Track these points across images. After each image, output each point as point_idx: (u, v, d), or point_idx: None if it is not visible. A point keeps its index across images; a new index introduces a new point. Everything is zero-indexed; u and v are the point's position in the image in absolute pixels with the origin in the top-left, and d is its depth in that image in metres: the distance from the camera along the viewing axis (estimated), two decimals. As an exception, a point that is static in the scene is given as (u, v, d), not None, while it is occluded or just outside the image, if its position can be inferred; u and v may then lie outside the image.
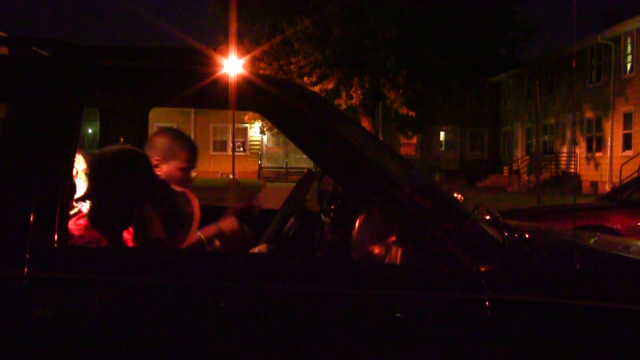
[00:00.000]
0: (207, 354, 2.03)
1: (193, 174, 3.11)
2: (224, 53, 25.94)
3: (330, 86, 25.15)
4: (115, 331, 2.04)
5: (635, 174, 17.11)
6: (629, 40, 24.81)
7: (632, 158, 22.49)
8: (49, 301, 2.03)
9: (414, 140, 37.31)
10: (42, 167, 2.11)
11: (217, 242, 2.92)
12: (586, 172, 27.28)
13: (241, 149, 37.80)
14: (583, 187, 26.66)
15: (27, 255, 2.05)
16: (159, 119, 34.56)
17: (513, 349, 2.01)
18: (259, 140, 38.07)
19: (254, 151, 38.13)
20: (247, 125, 35.48)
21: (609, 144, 25.68)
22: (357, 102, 26.00)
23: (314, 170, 3.11)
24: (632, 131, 24.37)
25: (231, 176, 28.61)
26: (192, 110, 35.19)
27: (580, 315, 2.04)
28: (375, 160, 2.17)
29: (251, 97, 2.27)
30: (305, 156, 2.47)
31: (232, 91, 2.21)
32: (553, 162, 29.43)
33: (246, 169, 35.56)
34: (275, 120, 2.34)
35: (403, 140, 35.94)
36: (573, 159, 28.41)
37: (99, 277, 2.07)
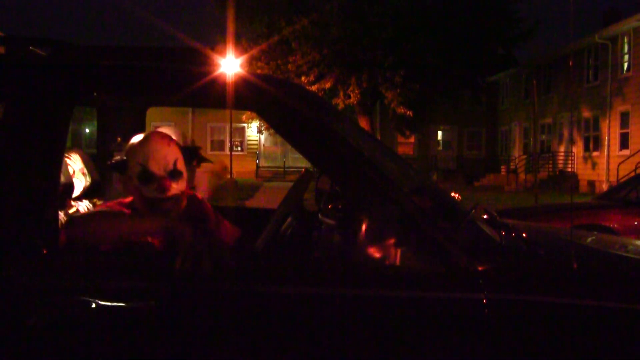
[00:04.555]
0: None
1: None
2: (222, 52, 25.90)
3: (327, 85, 25.16)
4: (110, 340, 1.99)
5: (632, 173, 17.16)
6: (626, 40, 24.83)
7: (629, 157, 22.51)
8: (39, 310, 1.96)
9: (412, 140, 37.32)
10: (30, 167, 2.07)
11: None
12: (583, 172, 27.31)
13: (239, 148, 37.80)
14: (580, 186, 26.70)
15: (14, 262, 1.98)
16: (156, 118, 34.54)
17: (511, 348, 2.01)
18: (256, 140, 38.05)
19: (251, 150, 38.12)
20: (245, 124, 35.48)
21: (606, 143, 25.70)
22: (355, 102, 26.01)
23: (311, 170, 3.10)
24: (629, 130, 24.39)
25: (229, 176, 28.59)
26: (190, 109, 35.16)
27: (578, 315, 2.04)
28: (372, 159, 2.17)
29: (248, 96, 2.27)
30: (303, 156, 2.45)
31: (230, 90, 2.21)
32: (550, 162, 29.46)
33: (244, 168, 35.54)
34: (272, 120, 2.33)
35: (401, 139, 35.94)
36: (570, 158, 28.44)
37: (91, 284, 2.02)
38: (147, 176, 2.42)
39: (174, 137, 3.14)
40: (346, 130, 2.31)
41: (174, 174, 2.46)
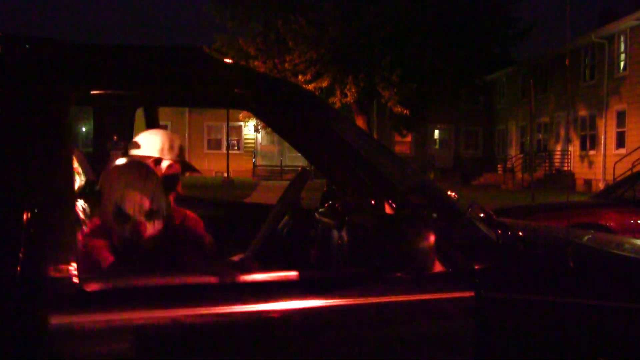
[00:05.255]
0: None
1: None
2: (218, 51, 25.90)
3: (324, 84, 25.16)
4: None
5: (629, 172, 17.17)
6: (622, 39, 24.87)
7: (625, 156, 22.56)
8: (80, 352, 1.73)
9: (409, 139, 37.34)
10: (26, 171, 1.86)
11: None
12: (580, 170, 27.35)
13: (236, 147, 37.78)
14: (577, 185, 26.73)
15: (45, 298, 1.73)
16: (153, 117, 34.49)
17: (507, 347, 2.01)
18: (253, 139, 38.03)
19: (248, 149, 38.09)
20: (242, 123, 35.44)
21: (602, 142, 25.75)
22: (352, 101, 26.01)
23: (308, 169, 3.10)
24: (625, 129, 24.45)
25: (225, 174, 28.57)
26: (187, 108, 35.13)
27: (574, 313, 2.04)
28: (370, 158, 2.17)
29: (246, 96, 2.25)
30: (300, 154, 2.44)
31: (227, 90, 2.19)
32: (547, 160, 29.50)
33: (241, 167, 35.53)
34: (269, 119, 2.33)
35: (398, 138, 35.95)
36: (567, 157, 28.48)
37: (135, 315, 1.80)
38: (121, 217, 2.28)
39: (160, 144, 3.08)
40: (343, 129, 2.31)
41: (150, 215, 2.31)
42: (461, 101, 30.56)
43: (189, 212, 2.74)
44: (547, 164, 29.35)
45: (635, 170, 18.64)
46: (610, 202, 8.59)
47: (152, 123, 3.55)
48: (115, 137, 3.28)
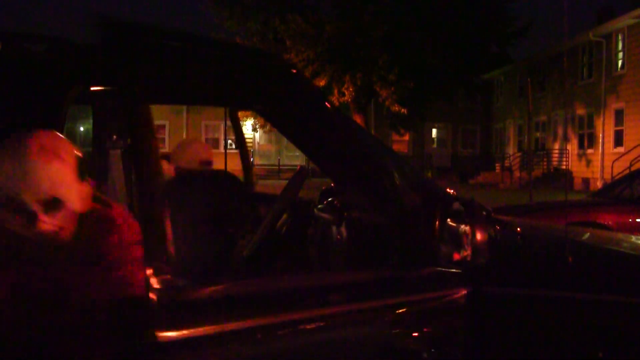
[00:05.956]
0: None
1: None
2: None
3: (322, 83, 25.15)
4: None
5: (627, 171, 17.18)
6: (620, 37, 24.88)
7: (623, 154, 22.57)
8: None
9: (406, 138, 37.34)
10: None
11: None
12: (578, 169, 27.37)
13: (233, 146, 37.73)
14: (575, 184, 26.74)
15: (146, 311, 1.64)
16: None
17: (505, 342, 2.02)
18: (251, 138, 38.02)
19: (246, 149, 38.11)
20: (240, 122, 35.46)
21: (600, 140, 25.76)
22: (349, 99, 26.02)
23: (306, 167, 3.11)
24: (623, 128, 24.46)
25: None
26: (184, 107, 35.11)
27: (572, 309, 2.05)
28: (370, 156, 2.17)
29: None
30: (297, 153, 2.44)
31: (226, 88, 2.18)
32: (545, 159, 29.51)
33: (238, 166, 35.43)
34: (269, 117, 2.33)
35: (395, 137, 35.95)
36: (565, 155, 28.50)
37: (237, 325, 1.74)
38: (12, 205, 1.73)
39: None
40: (344, 126, 2.31)
41: (50, 205, 1.73)
42: (459, 100, 30.59)
43: (116, 209, 1.97)
44: (545, 163, 29.37)
45: (633, 168, 18.64)
46: (608, 201, 8.59)
47: (236, 125, 3.61)
48: (114, 136, 3.28)
